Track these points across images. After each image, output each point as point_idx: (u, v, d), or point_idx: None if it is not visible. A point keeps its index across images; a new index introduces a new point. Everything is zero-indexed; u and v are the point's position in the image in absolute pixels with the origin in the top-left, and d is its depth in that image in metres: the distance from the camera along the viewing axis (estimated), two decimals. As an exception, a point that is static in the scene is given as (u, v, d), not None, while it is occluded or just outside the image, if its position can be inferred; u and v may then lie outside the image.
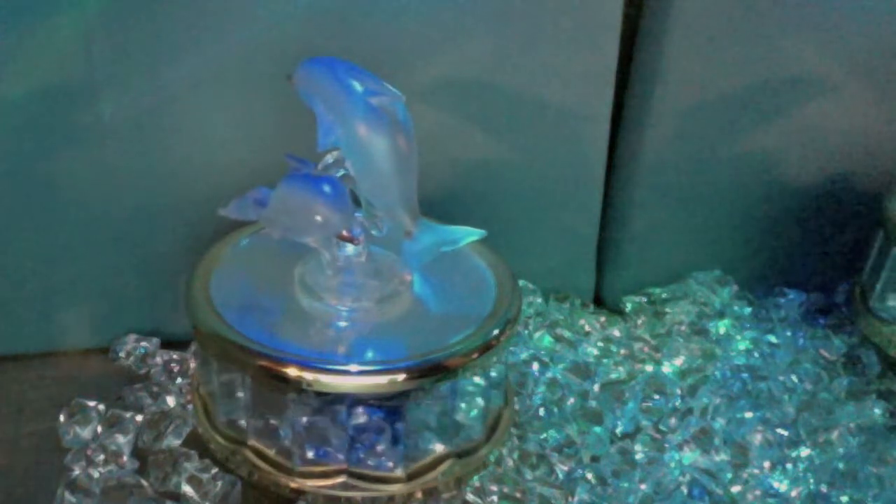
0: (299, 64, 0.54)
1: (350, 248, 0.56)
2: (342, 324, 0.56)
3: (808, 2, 0.66)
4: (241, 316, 0.55)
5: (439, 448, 0.57)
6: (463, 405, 0.58)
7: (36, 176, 0.63)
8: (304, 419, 0.54)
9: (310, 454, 0.55)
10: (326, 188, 0.53)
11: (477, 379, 0.57)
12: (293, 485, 0.56)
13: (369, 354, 0.54)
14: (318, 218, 0.53)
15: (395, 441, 0.55)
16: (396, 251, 0.58)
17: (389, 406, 0.54)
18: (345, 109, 0.52)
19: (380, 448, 0.55)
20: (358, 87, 0.52)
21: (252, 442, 0.56)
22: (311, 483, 0.55)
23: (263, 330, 0.54)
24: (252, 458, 0.56)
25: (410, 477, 0.56)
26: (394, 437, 0.55)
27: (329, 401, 0.54)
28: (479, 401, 0.58)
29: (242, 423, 0.57)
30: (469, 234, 0.56)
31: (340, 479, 0.56)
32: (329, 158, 0.54)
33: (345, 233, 0.53)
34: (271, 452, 0.56)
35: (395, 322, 0.56)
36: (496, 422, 0.60)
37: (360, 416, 0.55)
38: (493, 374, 0.58)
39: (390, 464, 0.56)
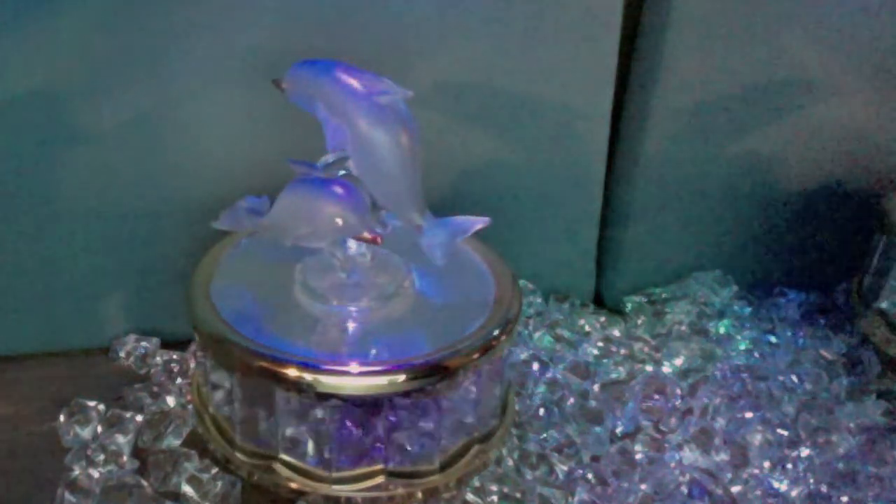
0: (289, 69, 0.54)
1: (353, 247, 0.56)
2: (343, 324, 0.56)
3: (808, 2, 0.66)
4: (242, 316, 0.55)
5: (466, 435, 0.57)
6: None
7: (36, 176, 0.63)
8: (339, 425, 0.54)
9: (345, 459, 0.55)
10: (342, 190, 0.52)
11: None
12: (332, 493, 0.55)
13: (370, 355, 0.53)
14: (339, 221, 0.52)
15: (429, 434, 0.55)
16: (397, 250, 0.58)
17: (421, 400, 0.54)
18: (350, 110, 0.52)
19: (416, 443, 0.55)
20: (362, 87, 0.52)
21: (283, 456, 0.56)
22: (348, 488, 0.55)
23: (264, 330, 0.54)
24: (283, 471, 0.56)
25: (444, 467, 0.56)
26: (427, 429, 0.55)
27: (358, 402, 0.53)
28: (495, 383, 0.58)
29: (269, 438, 0.56)
30: (476, 223, 0.56)
31: (379, 480, 0.55)
32: (329, 158, 0.54)
33: (367, 234, 0.53)
34: (304, 464, 0.56)
35: (395, 322, 0.56)
36: (505, 403, 0.60)
37: (394, 414, 0.54)
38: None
39: (426, 457, 0.56)
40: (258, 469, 0.56)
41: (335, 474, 0.55)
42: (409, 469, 0.56)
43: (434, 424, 0.55)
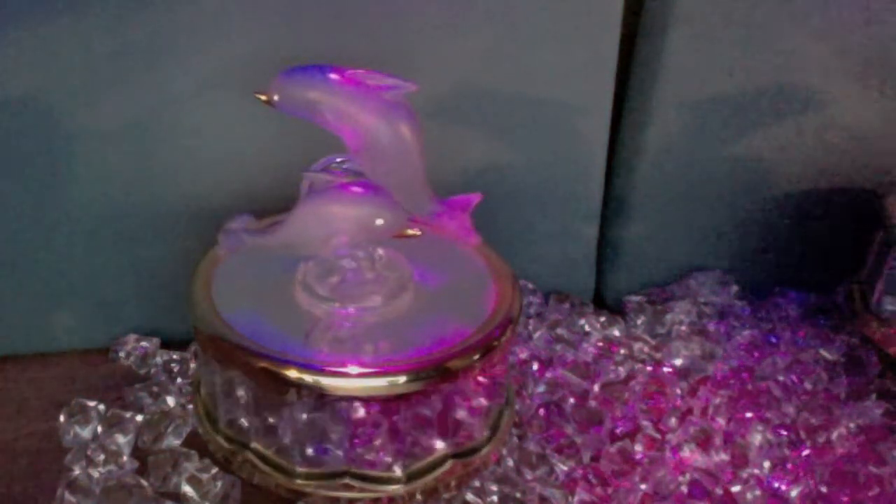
0: (274, 80, 0.53)
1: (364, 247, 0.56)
2: (343, 325, 0.56)
3: (808, 1, 0.66)
4: (242, 317, 0.55)
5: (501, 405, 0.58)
6: None
7: (36, 176, 0.63)
8: (409, 420, 0.54)
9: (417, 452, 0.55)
10: (373, 191, 0.52)
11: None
12: (403, 491, 0.55)
13: (370, 356, 0.53)
14: (380, 222, 0.52)
15: (482, 410, 0.56)
16: (398, 248, 0.58)
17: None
18: (359, 110, 0.52)
19: (474, 422, 0.56)
20: (366, 85, 0.52)
21: (355, 469, 0.55)
22: (420, 482, 0.55)
23: (264, 331, 0.54)
24: (355, 484, 0.55)
25: (489, 438, 0.58)
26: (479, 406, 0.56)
27: (423, 395, 0.53)
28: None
29: (336, 454, 0.55)
30: (473, 198, 0.57)
31: (448, 466, 0.56)
32: (324, 161, 0.54)
33: (409, 230, 0.53)
34: (374, 472, 0.55)
35: (395, 323, 0.56)
36: (506, 403, 0.61)
37: (459, 401, 0.55)
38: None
39: (480, 433, 0.57)
40: (232, 454, 0.56)
41: (406, 472, 0.55)
42: (467, 447, 0.56)
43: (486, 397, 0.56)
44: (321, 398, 0.53)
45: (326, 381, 0.52)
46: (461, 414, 0.56)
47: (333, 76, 0.53)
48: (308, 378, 0.52)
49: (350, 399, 0.53)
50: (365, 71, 0.53)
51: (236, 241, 0.55)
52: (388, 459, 0.54)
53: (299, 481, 0.55)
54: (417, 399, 0.54)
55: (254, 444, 0.56)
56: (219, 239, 0.56)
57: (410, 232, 0.53)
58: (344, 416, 0.53)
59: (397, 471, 0.55)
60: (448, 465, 0.56)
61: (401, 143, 0.53)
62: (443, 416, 0.55)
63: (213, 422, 0.58)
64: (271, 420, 0.55)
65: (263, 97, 0.54)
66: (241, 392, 0.55)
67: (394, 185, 0.53)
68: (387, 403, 0.53)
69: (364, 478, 0.55)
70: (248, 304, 0.56)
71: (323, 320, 0.55)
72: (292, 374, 0.52)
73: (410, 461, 0.55)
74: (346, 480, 0.55)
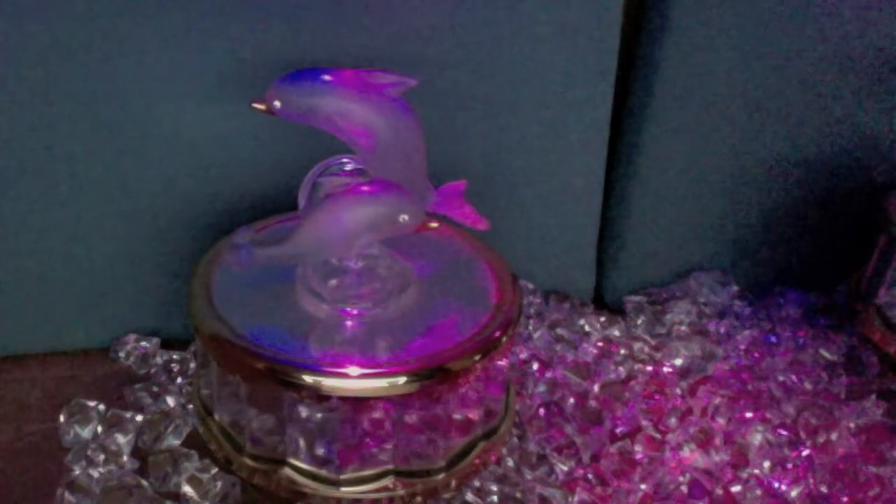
0: (274, 87, 0.53)
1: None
2: (343, 325, 0.56)
3: (808, 2, 0.66)
4: (242, 317, 0.55)
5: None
6: None
7: (35, 177, 0.63)
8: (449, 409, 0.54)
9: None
10: (389, 188, 0.52)
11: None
12: (446, 480, 0.55)
13: (370, 357, 0.53)
14: (405, 218, 0.52)
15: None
16: (398, 248, 0.58)
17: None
18: (362, 110, 0.52)
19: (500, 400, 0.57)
20: (368, 84, 0.52)
21: (400, 467, 0.55)
22: (459, 467, 0.56)
23: (264, 331, 0.54)
24: (400, 481, 0.55)
25: (505, 414, 0.59)
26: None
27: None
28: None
29: (380, 454, 0.55)
30: (460, 185, 0.57)
31: (481, 447, 0.56)
32: (336, 160, 0.54)
33: (432, 224, 0.53)
34: (418, 465, 0.55)
35: (395, 324, 0.55)
36: (506, 403, 0.61)
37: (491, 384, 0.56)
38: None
39: (502, 409, 0.58)
40: (265, 474, 0.56)
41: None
42: (487, 429, 0.57)
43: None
44: (355, 402, 0.53)
45: (327, 382, 0.52)
46: (492, 395, 0.56)
47: (333, 77, 0.53)
48: (308, 378, 0.52)
49: (384, 398, 0.53)
50: (364, 69, 0.53)
51: (247, 255, 0.54)
52: (430, 450, 0.54)
53: (345, 489, 0.55)
54: (457, 386, 0.54)
55: (291, 460, 0.55)
56: (228, 257, 0.55)
57: (432, 224, 0.53)
58: (385, 416, 0.53)
59: (440, 460, 0.55)
60: (481, 446, 0.56)
61: (404, 139, 0.53)
62: (476, 399, 0.55)
63: (237, 445, 0.57)
64: (307, 433, 0.55)
65: (261, 106, 0.54)
66: (268, 411, 0.55)
67: (397, 180, 0.53)
68: (422, 396, 0.53)
69: (408, 473, 0.55)
70: (249, 304, 0.56)
71: (324, 321, 0.55)
72: (293, 374, 0.52)
73: (450, 448, 0.55)
74: (391, 479, 0.55)
